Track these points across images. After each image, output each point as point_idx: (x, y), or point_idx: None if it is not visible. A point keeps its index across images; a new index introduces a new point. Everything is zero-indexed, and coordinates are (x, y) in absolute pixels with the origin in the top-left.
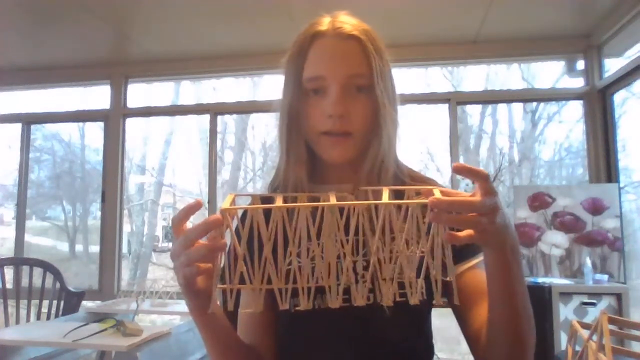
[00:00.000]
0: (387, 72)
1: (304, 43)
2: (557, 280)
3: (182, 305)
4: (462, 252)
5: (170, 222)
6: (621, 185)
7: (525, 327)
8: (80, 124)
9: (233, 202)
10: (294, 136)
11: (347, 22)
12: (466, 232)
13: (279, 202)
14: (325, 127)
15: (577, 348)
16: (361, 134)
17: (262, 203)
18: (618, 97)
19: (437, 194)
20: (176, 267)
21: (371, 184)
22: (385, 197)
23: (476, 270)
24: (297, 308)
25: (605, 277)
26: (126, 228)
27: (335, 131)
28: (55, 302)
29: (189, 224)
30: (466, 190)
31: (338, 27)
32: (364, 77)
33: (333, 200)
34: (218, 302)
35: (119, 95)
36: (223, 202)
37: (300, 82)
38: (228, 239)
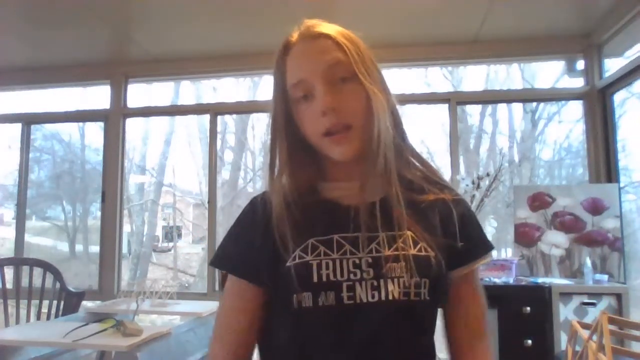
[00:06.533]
0: (367, 59)
1: (280, 57)
2: (557, 281)
3: (182, 305)
4: (471, 251)
5: None
6: (621, 185)
7: None
8: (80, 124)
9: None
10: (291, 144)
11: (315, 24)
12: None
13: None
14: (323, 127)
15: (577, 348)
16: (361, 124)
17: None
18: (618, 97)
19: None
20: None
21: (380, 180)
22: None
23: (474, 273)
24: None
25: (605, 277)
26: (126, 228)
27: (334, 128)
28: (55, 302)
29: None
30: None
31: (305, 31)
32: (343, 65)
33: None
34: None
35: (119, 95)
36: None
37: (286, 94)
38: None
